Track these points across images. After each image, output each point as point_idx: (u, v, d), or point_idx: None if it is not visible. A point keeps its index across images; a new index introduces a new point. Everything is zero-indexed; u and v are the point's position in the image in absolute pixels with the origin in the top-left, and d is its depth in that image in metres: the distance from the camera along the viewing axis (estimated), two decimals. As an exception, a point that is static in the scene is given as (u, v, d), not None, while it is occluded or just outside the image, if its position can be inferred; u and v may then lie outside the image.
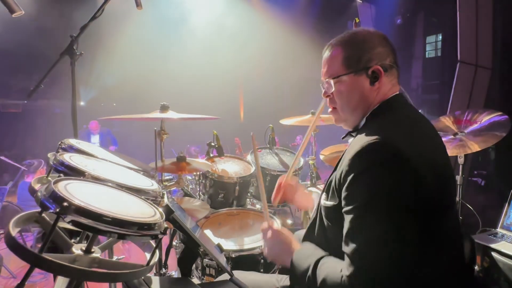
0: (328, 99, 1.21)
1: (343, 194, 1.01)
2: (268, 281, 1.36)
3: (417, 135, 1.07)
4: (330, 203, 1.10)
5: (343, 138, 1.26)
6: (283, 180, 1.68)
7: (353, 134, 1.18)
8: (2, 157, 5.75)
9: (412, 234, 0.95)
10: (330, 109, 1.23)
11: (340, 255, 1.02)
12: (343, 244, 1.00)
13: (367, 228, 0.95)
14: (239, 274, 1.41)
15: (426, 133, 1.13)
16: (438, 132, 1.21)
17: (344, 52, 1.12)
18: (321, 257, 1.07)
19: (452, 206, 1.11)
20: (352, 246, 0.95)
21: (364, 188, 0.96)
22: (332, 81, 1.15)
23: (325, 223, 1.15)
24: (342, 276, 0.96)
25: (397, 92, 1.15)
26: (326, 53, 1.18)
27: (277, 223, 1.95)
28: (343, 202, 1.02)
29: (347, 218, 0.99)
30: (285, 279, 1.34)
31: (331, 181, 1.12)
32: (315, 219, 1.23)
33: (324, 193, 1.16)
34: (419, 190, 0.96)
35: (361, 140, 1.00)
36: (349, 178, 0.98)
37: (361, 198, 0.96)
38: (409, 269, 0.96)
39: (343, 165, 1.02)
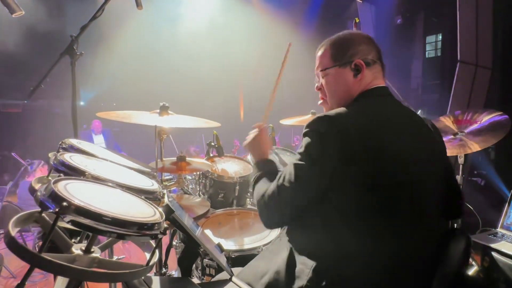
0: (320, 91, 1.37)
1: None
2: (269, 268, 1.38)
3: (377, 119, 1.16)
4: None
5: None
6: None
7: None
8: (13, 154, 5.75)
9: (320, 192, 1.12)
10: (320, 101, 1.38)
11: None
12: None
13: (292, 168, 1.15)
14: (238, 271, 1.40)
15: (394, 121, 1.19)
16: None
17: (332, 49, 1.29)
18: (266, 178, 1.29)
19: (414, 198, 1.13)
20: (279, 176, 1.19)
21: (302, 144, 1.18)
22: (320, 73, 1.32)
23: None
24: (266, 190, 1.21)
25: (381, 85, 1.27)
26: (318, 52, 1.35)
27: None
28: None
29: None
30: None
31: None
32: None
33: None
34: (348, 162, 1.07)
35: None
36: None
37: (298, 151, 1.19)
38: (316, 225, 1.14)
39: None
